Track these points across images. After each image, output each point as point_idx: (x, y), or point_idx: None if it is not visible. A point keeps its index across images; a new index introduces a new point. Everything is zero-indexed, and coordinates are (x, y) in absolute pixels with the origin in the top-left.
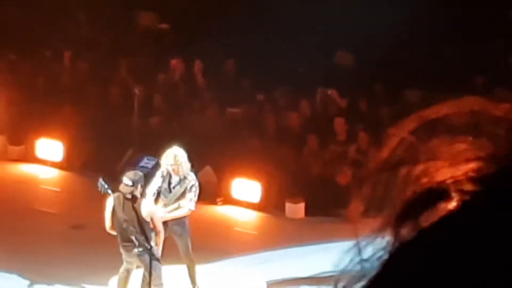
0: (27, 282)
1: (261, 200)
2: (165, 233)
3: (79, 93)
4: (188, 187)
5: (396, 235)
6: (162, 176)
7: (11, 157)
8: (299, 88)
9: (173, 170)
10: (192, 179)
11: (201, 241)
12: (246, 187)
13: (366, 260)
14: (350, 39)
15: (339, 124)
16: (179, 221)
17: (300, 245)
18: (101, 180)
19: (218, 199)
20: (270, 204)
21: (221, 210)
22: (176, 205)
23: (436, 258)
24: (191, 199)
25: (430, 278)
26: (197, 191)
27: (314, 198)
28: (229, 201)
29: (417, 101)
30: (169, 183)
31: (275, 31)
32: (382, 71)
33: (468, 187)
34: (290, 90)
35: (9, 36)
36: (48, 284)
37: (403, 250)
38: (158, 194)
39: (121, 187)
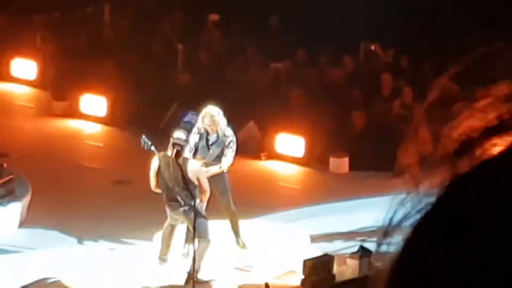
0: (71, 238)
1: (305, 154)
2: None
3: (123, 49)
4: (226, 143)
5: (453, 169)
6: (199, 133)
7: (56, 112)
8: (343, 42)
9: (211, 129)
10: (229, 135)
11: (245, 196)
12: (290, 142)
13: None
14: None
15: (383, 78)
16: (220, 176)
17: (344, 200)
18: (144, 137)
19: (262, 154)
20: (314, 159)
21: (265, 165)
22: (216, 162)
23: (497, 191)
24: (229, 155)
25: (487, 213)
26: (235, 147)
27: (358, 152)
28: (273, 156)
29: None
30: (207, 141)
31: None
32: (426, 24)
33: None
34: (334, 45)
35: None
36: (93, 239)
37: (462, 182)
38: (195, 151)
39: (175, 140)
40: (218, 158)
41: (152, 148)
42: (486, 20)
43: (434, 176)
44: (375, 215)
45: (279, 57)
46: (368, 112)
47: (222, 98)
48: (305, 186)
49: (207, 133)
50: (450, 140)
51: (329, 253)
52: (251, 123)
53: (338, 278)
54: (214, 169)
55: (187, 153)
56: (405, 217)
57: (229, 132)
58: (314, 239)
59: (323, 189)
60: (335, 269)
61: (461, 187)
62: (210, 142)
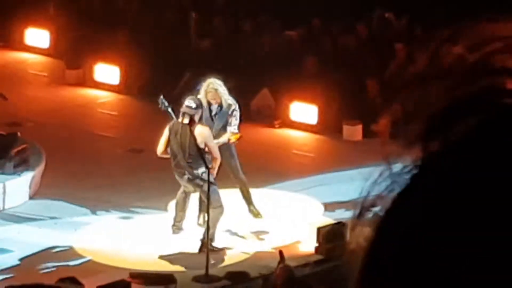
0: (85, 207)
1: (319, 122)
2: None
3: (136, 17)
4: (230, 112)
5: (424, 149)
6: (207, 104)
7: (69, 81)
8: (357, 10)
9: (215, 101)
10: (232, 103)
11: (259, 164)
12: (304, 110)
13: (396, 176)
14: None
15: (396, 46)
16: (226, 145)
17: (357, 167)
18: (161, 98)
19: (276, 122)
20: (328, 126)
21: (279, 133)
22: (222, 132)
23: (463, 174)
24: (234, 123)
25: (458, 193)
26: (239, 114)
27: (371, 120)
28: (287, 123)
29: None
30: (210, 112)
31: None
32: None
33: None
34: (348, 13)
35: None
36: (107, 208)
37: (430, 164)
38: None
39: (185, 109)
40: (223, 128)
41: (169, 109)
42: None
43: (407, 153)
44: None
45: (293, 24)
46: (381, 79)
47: (235, 66)
48: (318, 154)
49: (210, 105)
50: (423, 116)
51: (343, 221)
52: (265, 91)
53: (349, 246)
54: (223, 139)
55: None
56: (378, 196)
57: (231, 101)
58: (328, 206)
59: (337, 157)
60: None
61: (432, 167)
62: (213, 113)
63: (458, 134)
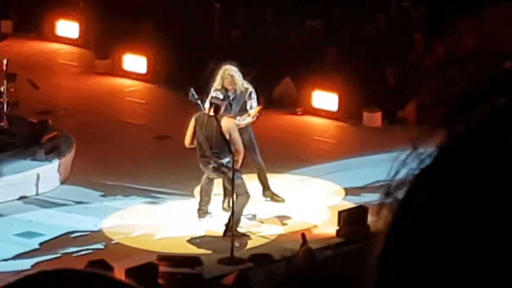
0: (114, 192)
1: (339, 109)
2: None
3: (163, 9)
4: (247, 96)
5: (448, 132)
6: (224, 91)
7: (98, 70)
8: (375, 0)
9: (231, 87)
10: (248, 87)
11: (282, 150)
12: (325, 98)
13: (421, 158)
14: None
15: (415, 35)
16: (244, 129)
17: (377, 153)
18: (192, 90)
19: (298, 109)
20: (348, 114)
21: (301, 120)
22: (240, 115)
23: (485, 155)
24: (254, 105)
25: (480, 176)
26: (256, 96)
27: (391, 107)
28: (309, 111)
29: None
30: (227, 98)
31: None
32: None
33: None
34: (367, 3)
35: None
36: (135, 193)
37: (452, 147)
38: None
39: (212, 100)
40: (240, 112)
41: (199, 101)
42: None
43: (433, 136)
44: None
45: (314, 15)
46: (399, 68)
47: (259, 55)
48: (339, 140)
49: (226, 90)
50: (446, 101)
51: (363, 205)
52: (287, 79)
53: (372, 229)
54: (246, 120)
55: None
56: (407, 175)
57: (247, 84)
58: (349, 191)
59: (357, 143)
60: (369, 220)
61: (456, 149)
62: (231, 98)
63: (478, 117)
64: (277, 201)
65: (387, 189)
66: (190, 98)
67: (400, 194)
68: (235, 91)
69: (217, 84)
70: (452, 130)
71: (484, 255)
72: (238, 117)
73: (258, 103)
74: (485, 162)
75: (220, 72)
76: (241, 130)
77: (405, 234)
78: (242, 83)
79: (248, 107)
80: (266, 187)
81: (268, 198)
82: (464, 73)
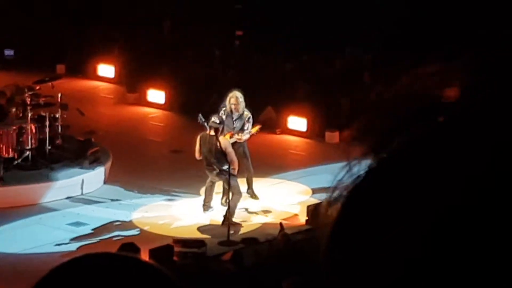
0: (140, 193)
1: (308, 130)
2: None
3: (177, 55)
4: (246, 119)
5: (374, 157)
6: (226, 113)
7: (129, 101)
8: (334, 48)
9: (235, 108)
10: (247, 113)
11: (264, 160)
12: (297, 121)
13: (354, 174)
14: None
15: (364, 74)
16: (240, 144)
17: (336, 162)
18: (200, 115)
19: (277, 130)
20: (315, 133)
21: (279, 138)
22: (246, 132)
23: (394, 177)
24: (249, 126)
25: (388, 189)
26: (252, 120)
27: (345, 128)
28: (285, 131)
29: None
30: (232, 117)
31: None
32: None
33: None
34: (328, 50)
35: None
36: (156, 193)
37: (377, 168)
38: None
39: (211, 124)
40: (241, 130)
41: (205, 123)
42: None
43: (365, 158)
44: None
45: (289, 59)
46: (352, 99)
47: (249, 89)
48: (308, 153)
49: (231, 112)
50: (375, 131)
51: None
52: (269, 108)
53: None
54: (246, 136)
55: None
56: (346, 185)
57: (247, 111)
58: (315, 191)
59: (321, 155)
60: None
61: (377, 170)
62: (234, 119)
63: (398, 146)
64: (254, 198)
65: (336, 189)
66: (198, 121)
67: (345, 194)
68: (238, 111)
69: (225, 105)
70: (377, 156)
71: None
72: (240, 133)
73: (253, 125)
74: (398, 177)
75: (230, 96)
76: (238, 144)
77: (349, 220)
78: (244, 108)
79: (245, 128)
80: (249, 187)
81: (249, 195)
82: (387, 109)
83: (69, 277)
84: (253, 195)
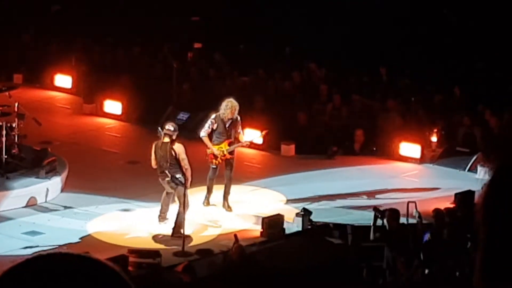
0: (97, 202)
1: (264, 143)
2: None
3: (134, 67)
4: (238, 122)
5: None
6: (221, 119)
7: (85, 112)
8: (291, 63)
9: (231, 114)
10: (238, 116)
11: (220, 172)
12: (253, 134)
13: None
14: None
15: (320, 88)
16: (229, 160)
17: (291, 174)
18: (159, 128)
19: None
20: (270, 146)
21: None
22: (249, 136)
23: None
24: (239, 131)
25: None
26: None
27: (302, 141)
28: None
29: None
30: (224, 124)
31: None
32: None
33: None
34: (285, 65)
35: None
36: (112, 203)
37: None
38: (211, 133)
39: (166, 131)
40: (235, 135)
41: (162, 134)
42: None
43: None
44: (312, 185)
45: (245, 73)
46: (309, 112)
47: (204, 102)
48: (264, 165)
49: (222, 120)
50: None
51: (280, 213)
52: None
53: (287, 231)
54: (243, 144)
55: (204, 132)
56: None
57: (237, 116)
58: (271, 201)
59: (277, 167)
60: (285, 224)
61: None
62: (227, 125)
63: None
64: (228, 210)
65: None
66: (158, 135)
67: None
68: (232, 117)
69: (222, 112)
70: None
71: None
72: (245, 138)
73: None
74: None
75: (228, 103)
76: (227, 161)
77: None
78: (236, 113)
79: (238, 131)
80: (225, 198)
81: (224, 209)
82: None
83: (23, 277)
84: (227, 207)
